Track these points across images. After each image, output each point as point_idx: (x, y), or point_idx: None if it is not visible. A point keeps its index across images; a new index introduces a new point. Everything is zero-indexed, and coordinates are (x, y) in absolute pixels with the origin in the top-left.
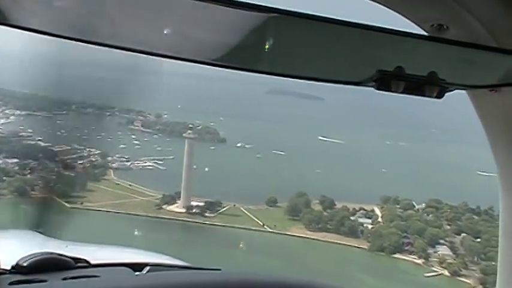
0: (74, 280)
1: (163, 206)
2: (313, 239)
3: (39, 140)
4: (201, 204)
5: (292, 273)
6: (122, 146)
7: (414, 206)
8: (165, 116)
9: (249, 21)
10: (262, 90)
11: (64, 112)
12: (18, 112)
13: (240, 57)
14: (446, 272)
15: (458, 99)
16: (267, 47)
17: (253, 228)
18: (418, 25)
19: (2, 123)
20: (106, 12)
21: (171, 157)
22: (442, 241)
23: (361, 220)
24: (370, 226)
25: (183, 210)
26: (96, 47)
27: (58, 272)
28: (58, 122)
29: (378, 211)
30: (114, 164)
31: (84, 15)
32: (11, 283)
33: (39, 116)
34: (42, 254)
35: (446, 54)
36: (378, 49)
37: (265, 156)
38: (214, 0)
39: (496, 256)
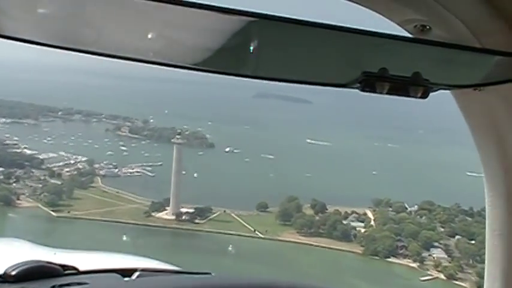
0: None
1: (153, 213)
2: (306, 244)
3: (25, 147)
4: (191, 210)
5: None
6: (109, 152)
7: (407, 209)
8: (152, 121)
9: (234, 26)
10: (249, 94)
11: (50, 119)
12: (3, 120)
13: (225, 62)
14: (442, 276)
15: (444, 99)
16: (252, 51)
17: (244, 234)
18: (401, 26)
19: None
20: (90, 18)
21: (159, 163)
22: (436, 244)
23: (353, 224)
24: (363, 230)
25: (173, 217)
26: (81, 54)
27: (47, 279)
28: (44, 129)
29: (370, 214)
30: (101, 171)
31: (68, 23)
32: None
33: (25, 124)
34: (30, 262)
35: (429, 55)
36: (362, 51)
37: (254, 160)
38: (200, 7)
39: None
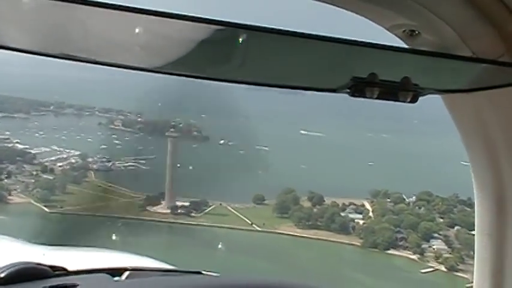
0: None
1: (147, 207)
2: (304, 237)
3: (16, 142)
4: (186, 204)
5: (282, 274)
6: (102, 146)
7: (405, 200)
8: (146, 114)
9: (227, 36)
10: (243, 86)
11: (42, 113)
12: None
13: (217, 69)
14: (443, 268)
15: None
16: (242, 60)
17: (241, 227)
18: (390, 31)
19: None
20: (76, 26)
21: (153, 156)
22: (436, 235)
23: (351, 216)
24: (361, 222)
25: (168, 211)
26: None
27: (36, 281)
28: (36, 123)
29: (368, 206)
30: (94, 165)
31: (54, 31)
32: None
33: (17, 118)
34: (19, 263)
35: (418, 60)
36: (352, 57)
37: (249, 152)
38: (194, 20)
39: None
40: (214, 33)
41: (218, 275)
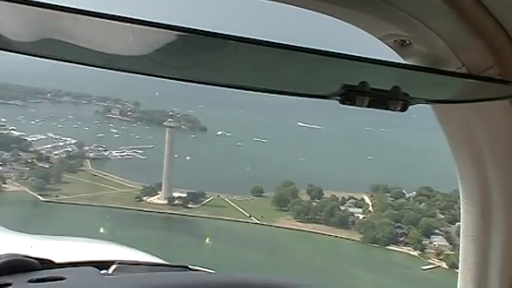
0: (39, 283)
1: (144, 198)
2: (303, 230)
3: (12, 129)
4: (184, 195)
5: (280, 268)
6: (100, 134)
7: (405, 194)
8: (143, 103)
9: (218, 47)
10: None
11: (39, 101)
12: None
13: (209, 75)
14: (444, 264)
15: None
16: (234, 69)
17: (239, 219)
18: (382, 40)
19: None
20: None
21: (151, 146)
22: (437, 231)
23: (351, 210)
24: (361, 216)
25: (165, 202)
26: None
27: (23, 273)
28: (32, 110)
29: (368, 200)
30: (91, 154)
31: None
32: None
33: (13, 105)
34: (6, 255)
35: (409, 71)
36: (343, 67)
37: (247, 144)
38: (187, 31)
39: None
40: (206, 43)
41: (205, 269)
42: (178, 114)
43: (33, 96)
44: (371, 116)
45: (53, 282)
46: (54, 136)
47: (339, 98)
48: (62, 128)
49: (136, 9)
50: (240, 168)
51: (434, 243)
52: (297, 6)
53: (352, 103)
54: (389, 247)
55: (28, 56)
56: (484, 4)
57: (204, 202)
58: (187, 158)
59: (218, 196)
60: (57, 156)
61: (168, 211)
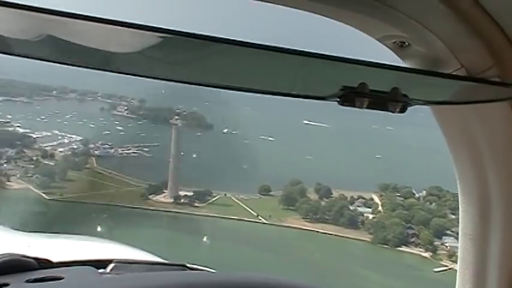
0: (37, 283)
1: (150, 196)
2: (311, 230)
3: (17, 126)
4: (190, 193)
5: (288, 269)
6: (106, 132)
7: (415, 194)
8: (149, 101)
9: (216, 51)
10: None
11: (44, 97)
12: None
13: (209, 76)
14: (456, 267)
15: None
16: (232, 71)
17: (246, 219)
18: (380, 42)
19: None
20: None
21: (156, 144)
22: (448, 232)
23: (360, 209)
24: (370, 216)
25: (171, 201)
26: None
27: (21, 273)
28: (38, 107)
29: (377, 199)
30: (96, 151)
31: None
32: None
33: (19, 102)
34: (4, 255)
35: (408, 73)
36: (342, 68)
37: (253, 142)
38: (187, 35)
39: None
40: (205, 47)
41: (204, 268)
42: (184, 111)
43: (38, 93)
44: (377, 114)
45: (51, 282)
46: (59, 133)
47: (338, 99)
48: (67, 125)
49: (129, 11)
50: (247, 167)
51: (446, 244)
52: (295, 8)
53: (352, 104)
54: (400, 248)
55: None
56: (483, 5)
57: (210, 201)
58: (194, 155)
59: (225, 195)
60: (62, 154)
61: (174, 210)
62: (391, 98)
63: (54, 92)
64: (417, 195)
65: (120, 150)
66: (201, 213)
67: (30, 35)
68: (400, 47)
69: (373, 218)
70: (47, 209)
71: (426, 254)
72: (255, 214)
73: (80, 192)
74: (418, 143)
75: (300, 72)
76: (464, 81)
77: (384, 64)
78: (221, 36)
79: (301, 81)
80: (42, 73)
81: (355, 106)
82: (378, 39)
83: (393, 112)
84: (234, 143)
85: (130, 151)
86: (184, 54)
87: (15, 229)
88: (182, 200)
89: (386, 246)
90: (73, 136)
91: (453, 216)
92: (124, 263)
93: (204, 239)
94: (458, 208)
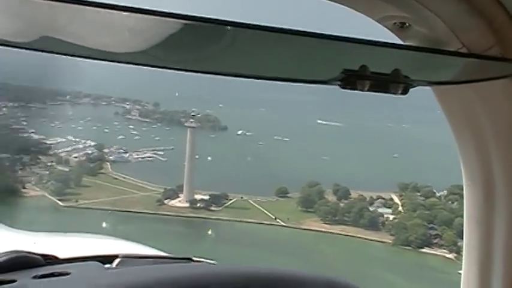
0: (43, 279)
1: (165, 201)
2: (331, 232)
3: (32, 132)
4: (206, 197)
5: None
6: (120, 136)
7: (435, 193)
8: (163, 104)
9: (216, 34)
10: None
11: (58, 103)
12: (11, 104)
13: (208, 63)
14: None
15: None
16: (232, 55)
17: (264, 222)
18: (380, 23)
19: None
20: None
21: (171, 147)
22: None
23: (380, 210)
24: (391, 217)
25: (187, 205)
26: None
27: (28, 270)
28: (52, 113)
29: (396, 199)
30: (111, 157)
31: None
32: None
33: (33, 108)
34: (10, 252)
35: (409, 53)
36: (342, 51)
37: (268, 143)
38: (185, 18)
39: None
40: (206, 29)
41: (210, 261)
42: (198, 114)
43: (52, 99)
44: (392, 112)
45: (57, 277)
46: (73, 139)
47: (339, 82)
48: (81, 130)
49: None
50: (262, 169)
51: None
52: None
53: (353, 87)
54: (423, 250)
55: (46, 56)
56: None
57: (227, 204)
58: (209, 158)
59: (241, 198)
60: (76, 159)
61: (190, 214)
62: (393, 80)
63: (68, 96)
64: (438, 194)
65: (134, 155)
66: (218, 217)
67: (35, 26)
68: (400, 28)
69: (394, 218)
70: (62, 216)
71: (450, 256)
72: (273, 217)
73: (95, 199)
74: (436, 140)
75: (300, 54)
76: (467, 58)
77: (386, 43)
78: (215, 17)
79: (303, 65)
80: (55, 78)
81: (356, 89)
82: (377, 21)
83: (395, 94)
84: (248, 145)
85: (145, 155)
86: (183, 40)
87: (19, 228)
88: (198, 204)
89: (408, 247)
90: (87, 141)
91: None
92: (130, 257)
93: (219, 242)
94: None
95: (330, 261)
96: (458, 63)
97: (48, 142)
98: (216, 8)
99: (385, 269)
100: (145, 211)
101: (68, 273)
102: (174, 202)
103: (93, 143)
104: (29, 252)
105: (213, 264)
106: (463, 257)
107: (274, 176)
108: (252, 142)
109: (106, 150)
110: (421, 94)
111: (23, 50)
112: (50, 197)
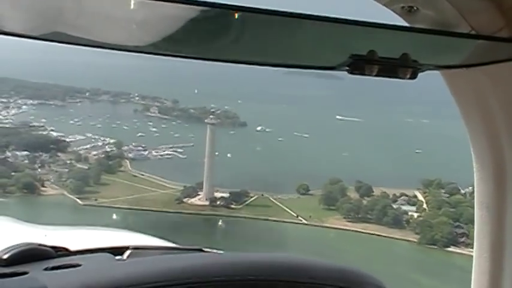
0: (55, 271)
1: (185, 200)
2: (354, 231)
3: (51, 130)
4: (226, 195)
5: None
6: (140, 134)
7: (460, 190)
8: (182, 101)
9: (225, 19)
10: (281, 71)
11: (77, 100)
12: (30, 102)
13: (214, 49)
14: None
15: None
16: (242, 41)
17: (286, 220)
18: (388, 7)
19: (14, 114)
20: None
21: (191, 144)
22: None
23: (404, 208)
24: (415, 215)
25: (207, 203)
26: None
27: (39, 262)
28: (71, 110)
29: (420, 197)
30: (130, 154)
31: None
32: None
33: (52, 105)
34: (22, 245)
35: (417, 37)
36: (350, 35)
37: (288, 139)
38: (194, 3)
39: None
40: (213, 14)
41: (221, 252)
42: (217, 110)
43: (72, 96)
44: (411, 106)
45: (69, 269)
46: (92, 136)
47: (347, 68)
48: (100, 127)
49: None
50: (283, 165)
51: None
52: None
53: (362, 72)
54: (449, 248)
55: (65, 53)
56: None
57: (247, 202)
58: (228, 155)
59: (262, 195)
60: (95, 157)
61: (210, 212)
62: (401, 64)
63: (87, 93)
64: (463, 191)
65: (154, 152)
66: (239, 215)
67: (46, 17)
68: (408, 12)
69: (418, 216)
70: (81, 215)
71: None
72: (295, 215)
73: (114, 197)
74: (459, 135)
75: (309, 39)
76: (476, 39)
77: (395, 25)
78: (225, 3)
79: (311, 51)
80: (75, 76)
81: (364, 74)
82: (384, 5)
83: (403, 78)
84: (268, 141)
85: (164, 152)
86: (191, 27)
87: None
88: (218, 202)
89: (434, 246)
90: (106, 139)
91: None
92: (140, 249)
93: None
94: None
95: (354, 260)
96: (467, 46)
97: (67, 140)
98: None
99: (411, 269)
100: (165, 210)
101: (79, 265)
102: (194, 200)
103: (112, 141)
104: (40, 245)
105: (224, 254)
106: (475, 241)
107: (294, 172)
108: (271, 138)
109: (125, 148)
110: (441, 92)
111: (40, 48)
112: (69, 195)
